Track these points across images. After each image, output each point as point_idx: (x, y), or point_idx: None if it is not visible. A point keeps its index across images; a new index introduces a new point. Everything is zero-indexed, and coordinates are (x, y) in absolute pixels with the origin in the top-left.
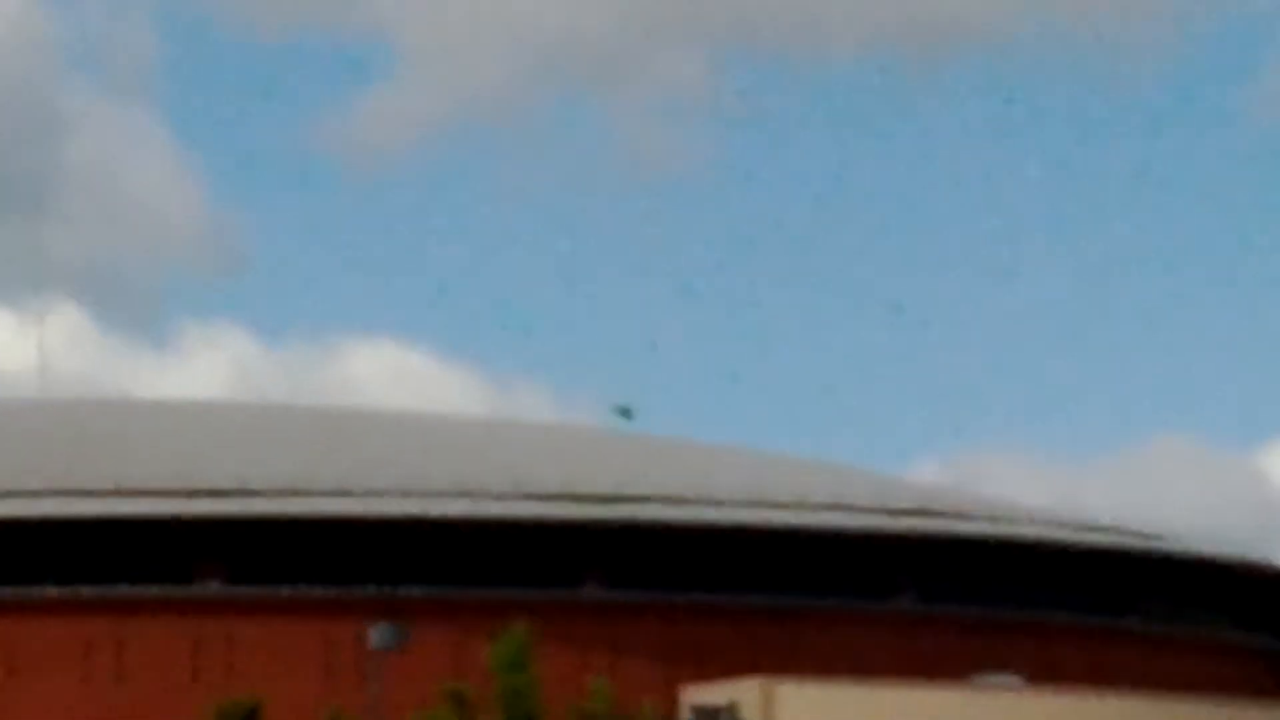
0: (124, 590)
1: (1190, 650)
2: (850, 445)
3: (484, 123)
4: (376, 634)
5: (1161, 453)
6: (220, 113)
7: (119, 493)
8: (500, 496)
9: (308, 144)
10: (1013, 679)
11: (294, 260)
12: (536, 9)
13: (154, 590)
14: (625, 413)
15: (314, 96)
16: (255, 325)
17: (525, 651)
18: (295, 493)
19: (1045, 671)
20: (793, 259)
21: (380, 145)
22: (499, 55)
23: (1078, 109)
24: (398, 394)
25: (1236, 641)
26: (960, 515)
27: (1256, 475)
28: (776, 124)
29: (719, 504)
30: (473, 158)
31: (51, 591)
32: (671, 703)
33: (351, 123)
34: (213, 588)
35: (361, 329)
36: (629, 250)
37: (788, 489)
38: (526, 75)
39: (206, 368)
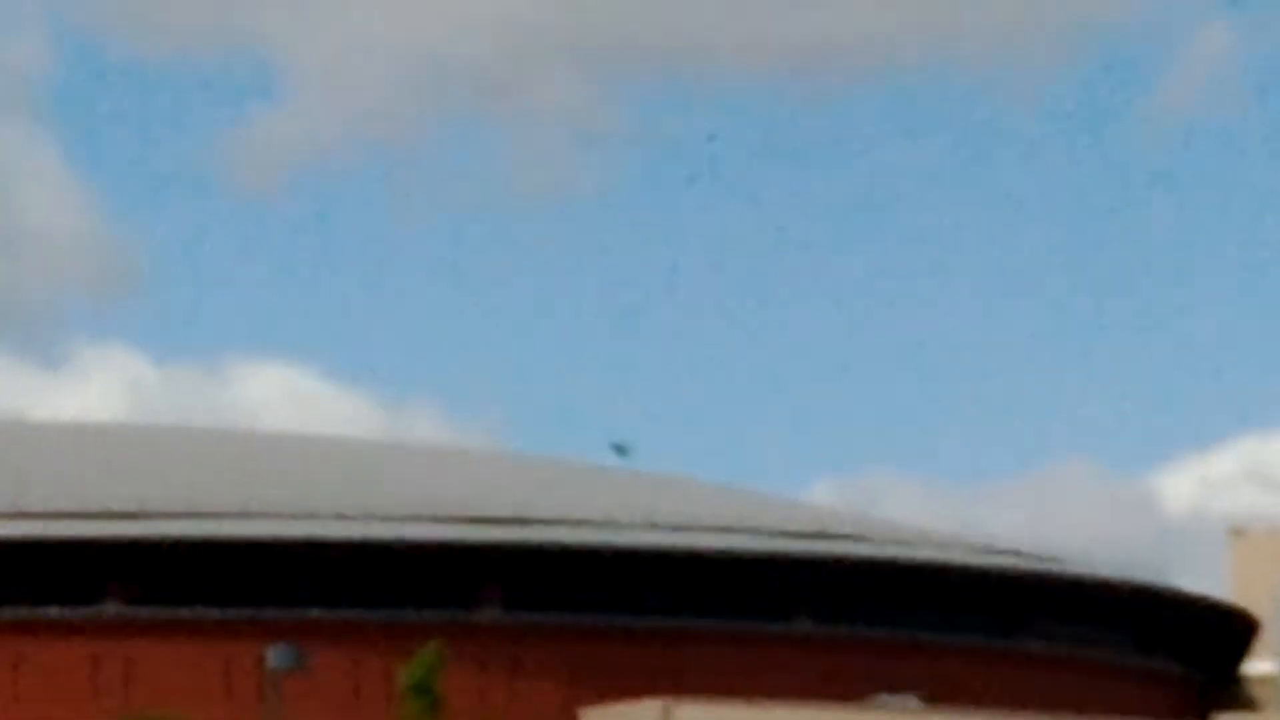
0: (22, 611)
1: (1087, 672)
2: (746, 468)
3: (376, 142)
4: (275, 655)
5: (1058, 475)
6: (112, 133)
7: (17, 515)
8: (398, 518)
9: (200, 165)
10: (911, 700)
11: (186, 282)
12: (427, 28)
13: (53, 612)
14: (621, 450)
15: (206, 117)
16: (148, 347)
17: (435, 674)
18: (194, 515)
19: (943, 693)
20: (686, 280)
21: (272, 166)
22: (388, 76)
23: (979, 127)
24: (291, 416)
25: (1133, 664)
26: (857, 538)
27: (1153, 497)
28: (670, 145)
29: (617, 526)
30: (365, 178)
31: None
32: None
33: (243, 143)
34: (111, 609)
35: (254, 350)
36: (522, 271)
37: (685, 511)
38: (416, 96)
39: (100, 389)
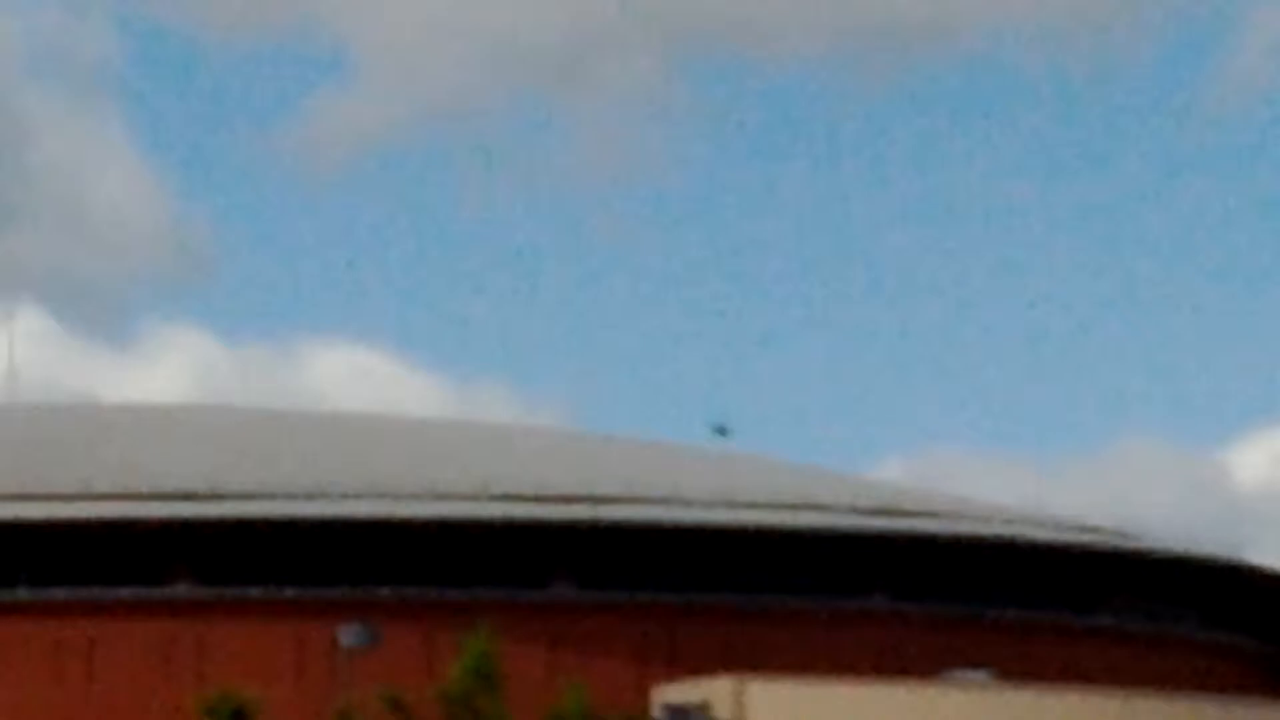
0: (95, 592)
1: (1161, 648)
2: (815, 445)
3: (444, 125)
4: (347, 634)
5: (1128, 453)
6: (182, 116)
7: (88, 496)
8: (469, 497)
9: (269, 147)
10: (984, 676)
11: (256, 263)
12: (493, 11)
13: (125, 593)
14: (722, 431)
15: (275, 100)
16: (218, 328)
17: (490, 661)
18: (265, 495)
19: (1016, 668)
20: (757, 260)
21: (341, 148)
22: (457, 57)
23: (1044, 109)
24: (360, 396)
25: (1207, 639)
26: (930, 514)
27: (1223, 474)
28: (739, 126)
29: (688, 504)
30: (433, 160)
31: (23, 594)
32: (643, 702)
33: (312, 126)
34: (183, 590)
35: (323, 331)
36: (592, 251)
37: (757, 488)
38: (485, 77)
39: (170, 371)
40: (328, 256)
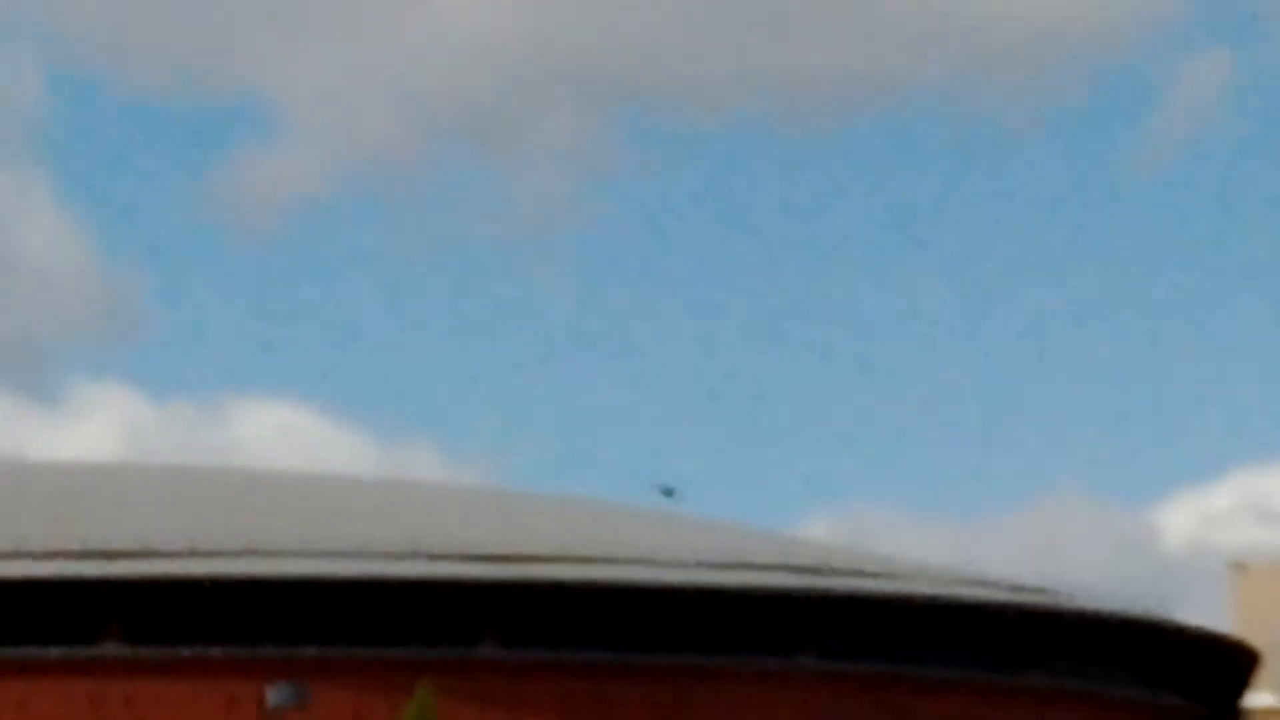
0: (25, 651)
1: (1091, 707)
2: (738, 502)
3: (374, 179)
4: (275, 693)
5: (1054, 510)
6: (108, 170)
7: (17, 555)
8: (398, 556)
9: (196, 201)
10: None
11: (183, 319)
12: (424, 66)
13: (54, 652)
14: (668, 492)
15: (202, 154)
16: (145, 385)
17: (431, 714)
18: (194, 553)
19: None
20: (683, 315)
21: (269, 203)
22: (385, 111)
23: (971, 159)
24: (287, 453)
25: (1136, 698)
26: (862, 573)
27: (1152, 531)
28: (669, 181)
29: (617, 562)
30: (363, 215)
31: None
32: None
33: (239, 180)
34: (112, 649)
35: (250, 388)
36: (519, 307)
37: (687, 546)
38: (413, 131)
39: (98, 428)
40: (255, 313)
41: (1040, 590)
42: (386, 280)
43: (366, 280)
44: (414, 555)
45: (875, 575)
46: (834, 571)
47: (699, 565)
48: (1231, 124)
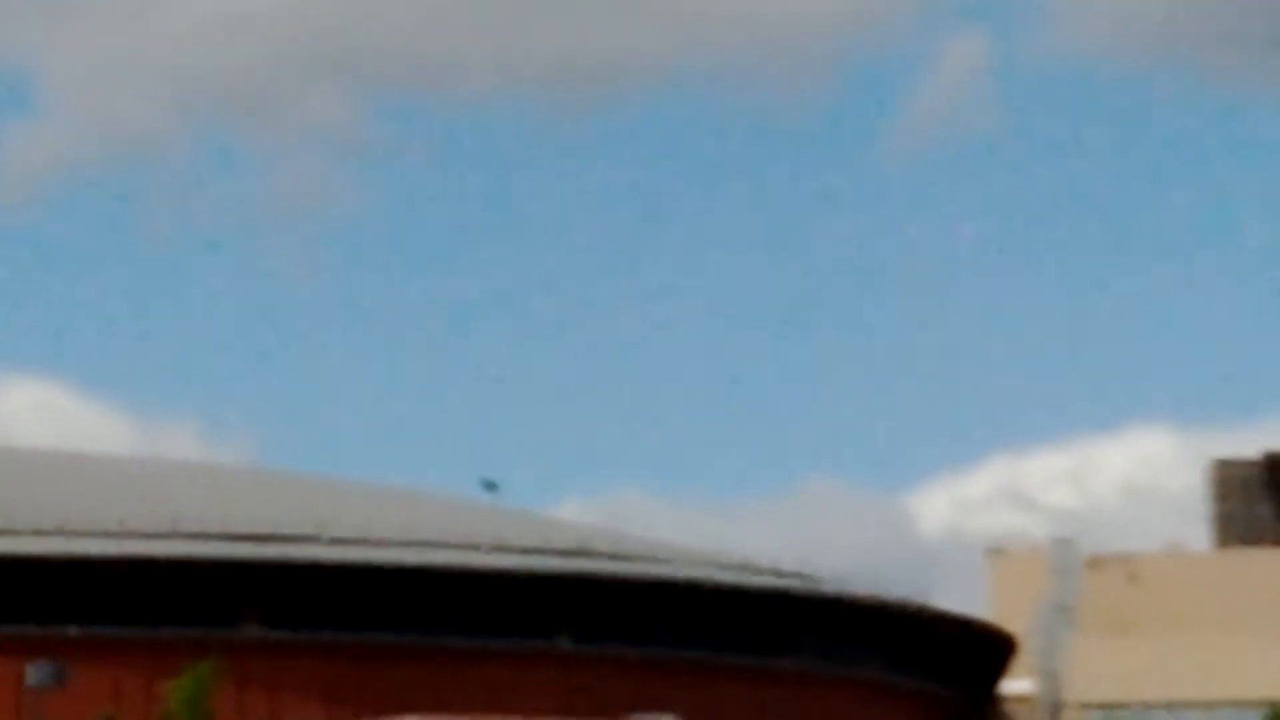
0: None
1: (846, 691)
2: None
3: (129, 157)
4: (34, 672)
5: (808, 495)
6: None
7: None
8: (158, 535)
9: None
10: (670, 719)
11: None
12: (183, 43)
13: None
14: (490, 486)
15: None
16: None
17: (205, 691)
18: None
19: (704, 711)
20: (446, 295)
21: (27, 180)
22: (143, 90)
23: (722, 141)
24: (42, 431)
25: (892, 682)
26: (619, 556)
27: (908, 517)
28: (425, 159)
29: (379, 543)
30: (121, 191)
31: None
32: None
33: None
34: None
35: (5, 365)
36: (279, 285)
37: (448, 528)
38: (170, 110)
39: None
40: (11, 288)
41: (797, 575)
42: (144, 258)
43: (125, 258)
44: (174, 535)
45: (633, 558)
46: (592, 554)
47: (457, 546)
48: (988, 106)
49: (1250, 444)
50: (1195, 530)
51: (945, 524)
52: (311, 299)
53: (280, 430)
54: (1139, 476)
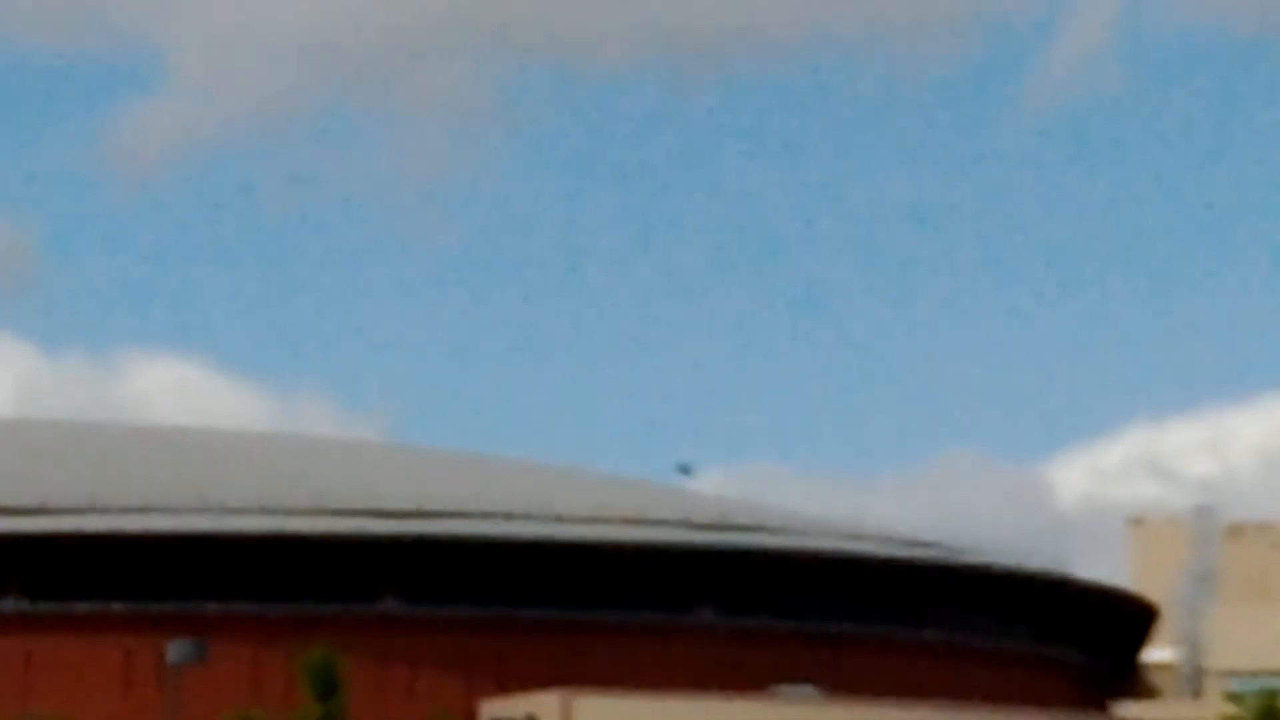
0: None
1: (987, 662)
2: (629, 459)
3: (262, 131)
4: (175, 649)
5: (947, 468)
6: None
7: None
8: (298, 512)
9: (89, 155)
10: (811, 691)
11: (75, 273)
12: (308, 17)
13: None
14: (686, 470)
15: (93, 107)
16: (37, 339)
17: (335, 673)
18: (93, 510)
19: (843, 683)
20: (579, 267)
21: (160, 156)
22: (273, 64)
23: (857, 109)
24: (180, 408)
25: (1033, 653)
26: (760, 529)
27: (1047, 488)
28: (553, 134)
29: (517, 519)
30: (251, 166)
31: None
32: (472, 716)
33: (130, 134)
34: (10, 605)
35: (143, 342)
36: (413, 258)
37: (587, 503)
38: (301, 83)
39: None
40: (148, 266)
41: (937, 546)
42: (276, 232)
43: (257, 232)
44: (314, 511)
45: (774, 531)
46: (733, 527)
47: (597, 521)
48: (1117, 70)
49: None
50: None
51: (1083, 494)
52: (444, 271)
53: (415, 406)
54: (1277, 445)
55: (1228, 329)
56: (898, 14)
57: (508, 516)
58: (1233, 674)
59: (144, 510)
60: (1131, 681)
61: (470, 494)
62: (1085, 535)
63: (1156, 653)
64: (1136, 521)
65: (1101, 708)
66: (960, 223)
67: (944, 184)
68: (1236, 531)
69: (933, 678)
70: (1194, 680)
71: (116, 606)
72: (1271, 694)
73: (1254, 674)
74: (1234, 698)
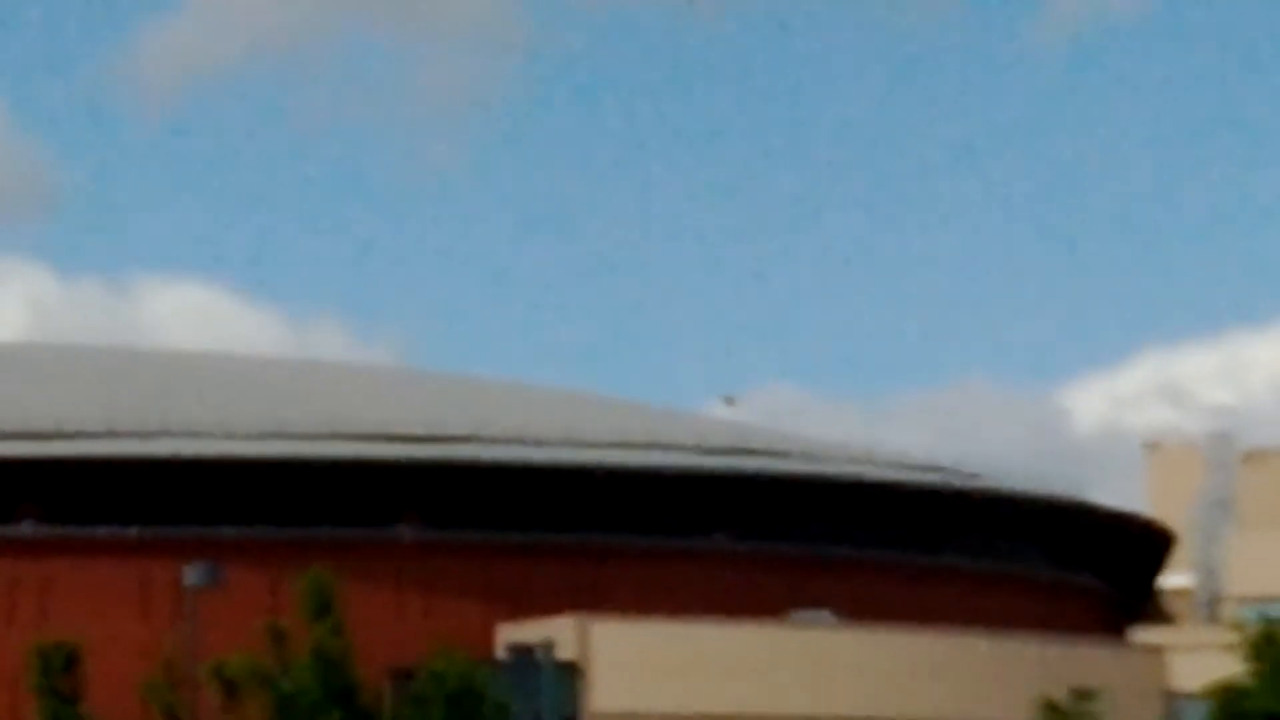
0: None
1: (1004, 587)
2: (641, 383)
3: (278, 57)
4: (192, 573)
5: (961, 392)
6: (15, 49)
7: None
8: (314, 436)
9: (106, 80)
10: (827, 616)
11: (92, 198)
12: None
13: None
14: (730, 400)
15: (110, 32)
16: (53, 263)
17: (329, 593)
18: (109, 434)
19: (859, 608)
20: (591, 197)
21: (176, 82)
22: None
23: (871, 28)
24: (194, 332)
25: (1050, 578)
26: (775, 453)
27: (1062, 414)
28: (576, 60)
29: (534, 443)
30: (267, 92)
31: None
32: (488, 641)
33: (147, 59)
34: (27, 529)
35: (159, 267)
36: (427, 184)
37: (602, 428)
38: (318, 8)
39: (4, 305)
40: (163, 191)
41: (955, 471)
42: (293, 159)
43: (273, 158)
44: (331, 436)
45: (789, 456)
46: (750, 452)
47: (615, 445)
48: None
49: None
50: None
51: (1099, 420)
52: (459, 196)
53: (429, 331)
54: None
55: (1244, 254)
56: None
57: (524, 441)
58: (1249, 599)
59: (161, 435)
60: (1148, 607)
61: (486, 419)
62: (1101, 462)
63: (1173, 578)
64: (1153, 447)
65: (1118, 633)
66: (977, 148)
67: (959, 108)
68: (1254, 457)
69: (949, 603)
70: (1211, 606)
71: (133, 531)
72: (1271, 622)
73: (1271, 600)
74: (1237, 625)
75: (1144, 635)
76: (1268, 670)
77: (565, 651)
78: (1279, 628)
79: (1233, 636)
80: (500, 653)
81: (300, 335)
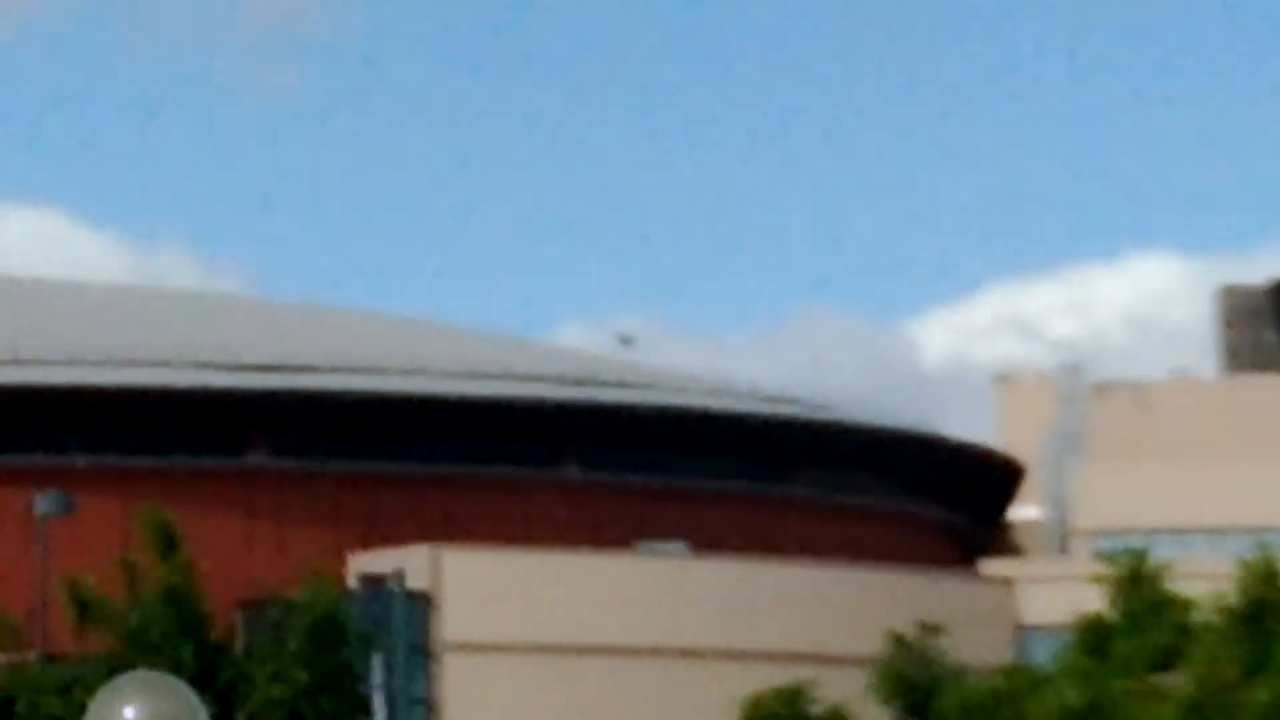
0: None
1: (854, 518)
2: (489, 310)
3: None
4: (43, 502)
5: (808, 323)
6: None
7: None
8: (164, 365)
9: None
10: (677, 546)
11: None
12: None
13: None
14: (626, 340)
15: None
16: None
17: (171, 530)
18: None
19: (710, 539)
20: (441, 116)
21: (14, 7)
22: None
23: None
24: (40, 260)
25: (900, 510)
26: (625, 384)
27: (911, 346)
28: None
29: (384, 372)
30: (111, 19)
31: None
32: (340, 570)
33: None
34: None
35: (1, 194)
36: (273, 110)
37: (454, 357)
38: None
39: None
40: (4, 118)
41: (804, 403)
42: (134, 82)
43: (112, 80)
44: (181, 364)
45: (640, 386)
46: (598, 382)
47: (462, 375)
48: None
49: (1259, 270)
50: (1202, 359)
51: (947, 353)
52: (303, 122)
53: (275, 259)
54: (1144, 305)
55: (1091, 188)
56: None
57: (375, 371)
58: (1098, 532)
59: (9, 363)
60: (998, 539)
61: (337, 348)
62: (950, 394)
63: (1023, 511)
64: (1003, 379)
65: (968, 565)
66: (814, 72)
67: (814, 32)
68: (1104, 390)
69: (799, 534)
70: (1060, 538)
71: None
72: (1140, 554)
73: (1119, 532)
74: (1106, 558)
75: (993, 567)
76: (1138, 608)
77: (417, 581)
78: (1147, 563)
79: (1095, 570)
80: (352, 582)
81: (146, 263)
